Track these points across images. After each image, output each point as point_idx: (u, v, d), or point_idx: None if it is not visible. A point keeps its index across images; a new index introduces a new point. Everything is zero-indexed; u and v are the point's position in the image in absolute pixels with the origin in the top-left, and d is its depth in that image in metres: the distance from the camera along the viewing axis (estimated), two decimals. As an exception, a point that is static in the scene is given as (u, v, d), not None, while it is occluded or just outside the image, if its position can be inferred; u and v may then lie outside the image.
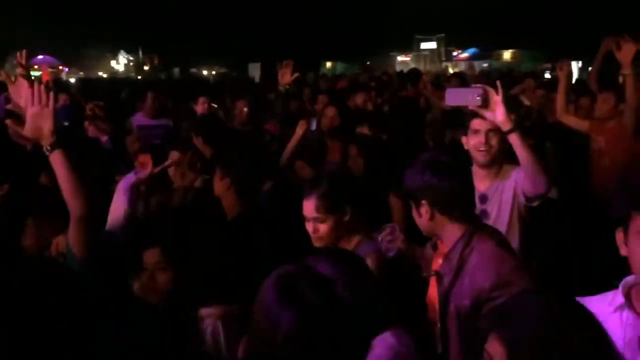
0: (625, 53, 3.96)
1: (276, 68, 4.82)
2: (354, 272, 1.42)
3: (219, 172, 3.00)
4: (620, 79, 4.24)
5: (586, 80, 6.57)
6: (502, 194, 2.81)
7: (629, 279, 1.59)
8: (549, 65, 13.99)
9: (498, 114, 2.50)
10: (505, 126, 2.52)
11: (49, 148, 2.14)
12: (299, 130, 4.03)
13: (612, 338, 1.50)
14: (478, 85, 2.66)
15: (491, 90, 2.50)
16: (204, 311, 2.13)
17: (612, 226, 1.69)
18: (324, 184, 2.53)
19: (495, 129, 2.76)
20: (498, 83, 2.60)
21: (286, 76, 4.56)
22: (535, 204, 2.75)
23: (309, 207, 2.50)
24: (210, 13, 25.40)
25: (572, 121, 4.60)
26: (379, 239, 2.43)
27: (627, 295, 1.57)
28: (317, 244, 2.52)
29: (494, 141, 2.80)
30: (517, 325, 1.25)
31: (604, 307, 1.58)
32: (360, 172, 3.64)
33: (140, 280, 2.23)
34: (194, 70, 34.32)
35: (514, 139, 2.53)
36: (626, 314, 1.55)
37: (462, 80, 7.51)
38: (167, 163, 2.93)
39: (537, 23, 16.66)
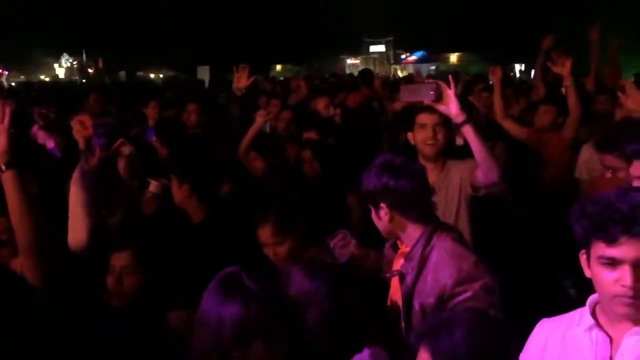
0: (561, 68, 4.19)
1: (225, 73, 4.81)
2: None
3: (176, 179, 2.96)
4: (563, 90, 4.41)
5: (531, 80, 6.79)
6: (449, 186, 2.95)
7: (593, 297, 1.62)
8: (494, 68, 14.36)
9: (452, 107, 2.59)
10: (459, 119, 2.60)
11: (2, 168, 2.06)
12: (259, 119, 4.04)
13: (584, 357, 1.55)
14: (431, 80, 2.75)
15: (444, 85, 2.59)
16: (173, 315, 2.11)
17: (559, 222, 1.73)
18: (276, 209, 2.61)
19: (441, 123, 2.93)
20: (450, 78, 2.69)
21: (242, 80, 4.56)
22: (480, 194, 2.89)
23: (266, 233, 2.57)
24: (157, 15, 24.93)
25: (511, 127, 4.68)
26: (331, 245, 2.45)
27: (593, 314, 1.61)
28: (279, 264, 2.56)
29: (440, 135, 2.95)
30: (444, 339, 1.32)
31: (574, 327, 1.62)
32: (316, 176, 3.65)
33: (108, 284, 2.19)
34: (140, 73, 33.60)
35: (467, 130, 2.62)
36: (596, 333, 1.57)
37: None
38: (115, 145, 2.79)
39: (483, 26, 17.11)
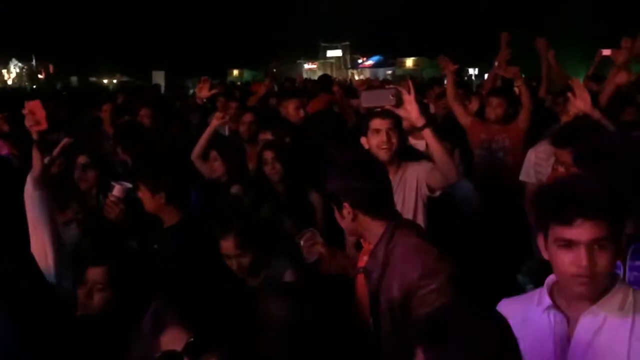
0: (512, 73, 4.66)
1: (181, 78, 4.80)
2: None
3: (148, 188, 2.90)
4: (516, 90, 4.71)
5: (487, 79, 6.97)
6: (405, 187, 3.03)
7: (551, 278, 1.68)
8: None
9: (412, 111, 2.65)
10: (419, 122, 2.68)
11: None
12: (214, 122, 4.03)
13: (542, 337, 1.60)
14: (391, 86, 2.80)
15: (404, 90, 2.64)
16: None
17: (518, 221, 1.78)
18: (238, 221, 2.63)
19: (394, 127, 3.01)
20: (410, 82, 2.77)
21: (204, 91, 4.57)
22: (436, 194, 3.00)
23: (229, 245, 2.59)
24: (110, 19, 24.42)
25: (458, 111, 4.90)
26: (300, 244, 2.45)
27: (551, 294, 1.67)
28: (241, 275, 2.56)
29: (394, 139, 3.03)
30: (442, 341, 1.27)
31: (533, 308, 1.68)
32: (278, 177, 3.65)
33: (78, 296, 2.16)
34: (93, 78, 32.83)
35: (427, 134, 2.71)
36: (554, 313, 1.64)
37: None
38: (58, 148, 2.60)
39: (437, 31, 17.44)
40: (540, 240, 1.63)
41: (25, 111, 2.55)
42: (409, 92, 2.67)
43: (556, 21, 13.89)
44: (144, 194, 2.93)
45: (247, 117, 4.68)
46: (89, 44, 26.24)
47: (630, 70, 4.10)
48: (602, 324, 1.57)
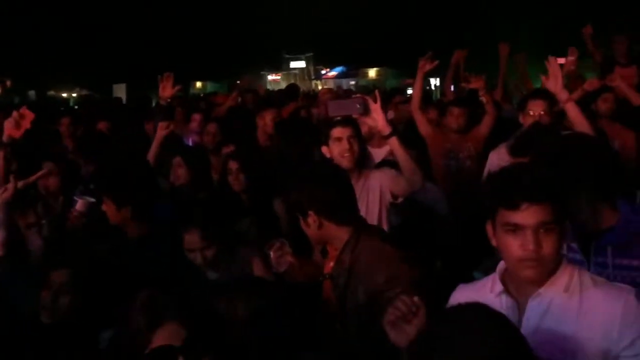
0: (476, 84, 4.69)
1: (143, 90, 4.74)
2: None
3: (114, 201, 2.88)
4: (483, 100, 4.75)
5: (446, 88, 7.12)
6: (369, 194, 3.06)
7: (502, 265, 1.72)
8: (411, 81, 14.90)
9: (378, 119, 2.70)
10: (386, 130, 2.72)
11: None
12: (159, 131, 3.99)
13: None
14: (358, 94, 2.85)
15: (370, 99, 2.68)
16: (104, 334, 2.09)
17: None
18: (202, 213, 2.65)
19: (355, 135, 3.04)
20: (376, 92, 2.84)
21: (167, 89, 4.42)
22: (399, 201, 3.06)
23: (194, 238, 2.58)
24: (68, 32, 23.98)
25: (421, 120, 4.88)
26: (269, 255, 2.45)
27: (503, 280, 1.71)
28: (204, 269, 2.55)
29: (355, 146, 3.04)
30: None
31: (487, 293, 1.73)
32: (241, 187, 3.65)
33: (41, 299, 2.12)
34: (52, 92, 32.11)
35: (393, 142, 2.79)
36: (505, 298, 1.69)
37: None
38: (41, 173, 2.73)
39: (400, 42, 17.69)
40: (488, 229, 1.68)
41: (16, 113, 2.54)
42: (374, 101, 2.72)
43: (514, 31, 14.27)
44: (109, 208, 2.91)
45: (212, 128, 4.66)
46: (48, 57, 25.70)
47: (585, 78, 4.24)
48: (548, 306, 1.62)
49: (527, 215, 1.56)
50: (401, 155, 2.80)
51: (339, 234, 2.17)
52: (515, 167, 1.67)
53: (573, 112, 3.09)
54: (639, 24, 8.34)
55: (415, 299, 1.55)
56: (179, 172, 3.82)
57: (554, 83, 3.10)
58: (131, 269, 2.59)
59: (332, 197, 2.16)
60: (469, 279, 1.99)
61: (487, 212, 1.67)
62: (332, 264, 2.21)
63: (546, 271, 1.61)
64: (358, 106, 2.71)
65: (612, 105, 4.72)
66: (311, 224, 2.16)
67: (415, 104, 4.92)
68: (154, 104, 9.49)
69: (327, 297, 2.23)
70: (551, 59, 3.15)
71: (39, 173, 2.74)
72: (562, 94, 3.10)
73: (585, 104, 4.70)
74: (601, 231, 2.07)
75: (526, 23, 14.69)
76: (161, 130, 3.99)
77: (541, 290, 1.63)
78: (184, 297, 1.48)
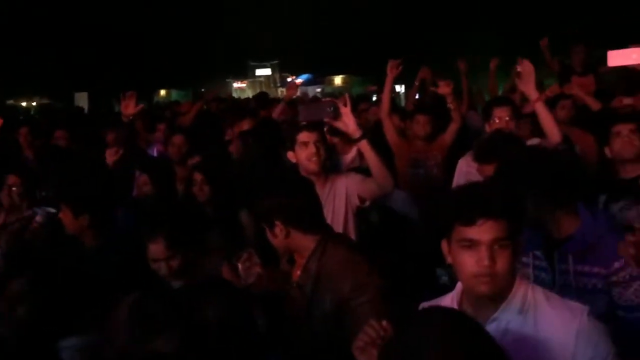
0: (444, 90, 4.66)
1: (105, 98, 4.67)
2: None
3: (71, 210, 2.81)
4: (451, 107, 4.79)
5: (406, 103, 7.24)
6: (335, 199, 3.07)
7: (458, 287, 1.74)
8: (375, 88, 15.04)
9: (349, 123, 2.72)
10: (356, 134, 2.74)
11: None
12: (108, 158, 3.94)
13: None
14: (328, 99, 2.87)
15: (340, 103, 2.71)
16: (64, 343, 2.03)
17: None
18: (168, 223, 2.61)
19: (321, 140, 3.07)
20: (346, 96, 2.89)
21: (130, 107, 4.35)
22: (366, 204, 3.09)
23: (159, 248, 2.54)
24: (27, 38, 23.42)
25: (389, 127, 4.87)
26: (238, 267, 2.42)
27: (460, 303, 1.73)
28: (169, 280, 2.49)
29: (321, 150, 3.06)
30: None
31: None
32: (206, 198, 3.62)
33: None
34: (10, 101, 31.33)
35: (364, 145, 2.81)
36: None
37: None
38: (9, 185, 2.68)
39: (364, 50, 17.83)
40: (444, 247, 1.69)
41: None
42: (345, 105, 2.76)
43: (476, 37, 14.54)
44: (66, 216, 2.88)
45: (177, 139, 4.58)
46: (6, 66, 25.05)
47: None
48: (505, 329, 1.62)
49: (482, 231, 1.58)
50: (372, 158, 2.82)
51: (306, 243, 2.17)
52: (472, 185, 1.70)
53: (542, 112, 3.20)
54: (595, 34, 8.59)
55: (384, 323, 1.53)
56: (145, 190, 3.80)
57: (526, 83, 3.21)
58: (89, 279, 2.53)
59: (299, 205, 2.16)
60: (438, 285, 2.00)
61: (443, 230, 1.68)
62: (299, 272, 2.21)
63: (500, 287, 1.62)
64: (329, 110, 2.75)
65: (570, 112, 4.84)
66: (278, 234, 2.16)
67: (385, 110, 4.90)
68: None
69: (294, 306, 2.22)
70: (524, 61, 3.26)
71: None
72: (533, 94, 3.20)
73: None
74: (563, 239, 2.10)
75: (488, 31, 14.98)
76: (109, 157, 3.93)
77: (497, 314, 1.64)
78: (174, 304, 1.45)
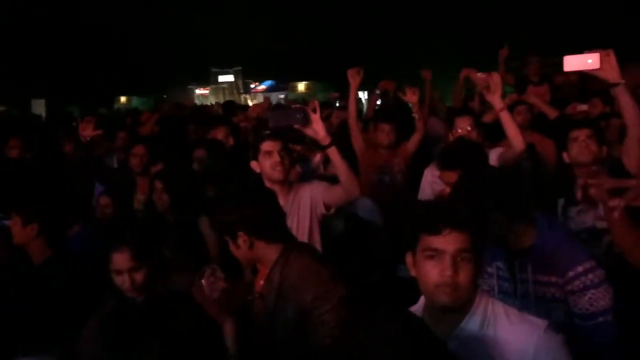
0: (410, 98, 4.75)
1: (64, 105, 4.58)
2: None
3: (21, 218, 2.70)
4: (416, 116, 4.87)
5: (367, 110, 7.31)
6: (300, 207, 3.07)
7: (421, 301, 1.77)
8: (337, 95, 15.13)
9: (319, 130, 2.72)
10: (325, 141, 2.76)
11: None
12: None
13: None
14: (298, 105, 2.88)
15: (310, 110, 2.71)
16: None
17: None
18: (134, 233, 2.56)
19: (284, 149, 3.07)
20: (316, 103, 2.91)
21: (88, 130, 4.30)
22: (331, 212, 3.11)
23: (123, 258, 2.46)
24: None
25: (357, 133, 4.87)
26: (201, 284, 2.38)
27: (423, 318, 1.71)
28: (131, 294, 2.42)
29: (286, 159, 3.07)
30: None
31: None
32: (165, 207, 3.56)
33: None
34: (-36, 109, 30.35)
35: (333, 152, 2.84)
36: None
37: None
38: None
39: (327, 56, 17.90)
40: (408, 259, 1.72)
41: None
42: (314, 112, 2.76)
43: (437, 44, 14.77)
44: (14, 224, 2.79)
45: (138, 150, 4.48)
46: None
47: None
48: (466, 345, 1.64)
49: (447, 241, 1.62)
50: (340, 165, 2.85)
51: (270, 253, 2.16)
52: (438, 197, 1.78)
53: (507, 121, 3.31)
54: (549, 44, 8.82)
55: None
56: (107, 212, 3.74)
57: (494, 94, 3.33)
58: (35, 293, 2.45)
59: (262, 215, 2.15)
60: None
61: (409, 242, 1.71)
62: (262, 282, 2.20)
63: (461, 299, 1.64)
64: (299, 117, 2.75)
65: (525, 117, 4.94)
66: (241, 245, 2.14)
67: (352, 117, 4.90)
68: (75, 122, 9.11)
69: (257, 315, 2.21)
70: (493, 74, 3.40)
71: None
72: (498, 104, 3.33)
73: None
74: (523, 250, 2.15)
75: (447, 38, 15.23)
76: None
77: (457, 331, 1.66)
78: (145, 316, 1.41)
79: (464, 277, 1.61)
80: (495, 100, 3.33)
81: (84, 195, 4.35)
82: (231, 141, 4.80)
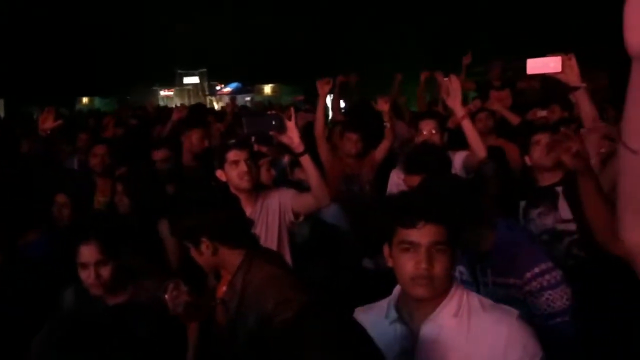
0: (382, 107, 4.75)
1: (23, 105, 4.44)
2: None
3: None
4: (388, 125, 4.84)
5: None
6: (268, 215, 3.06)
7: (397, 290, 1.74)
8: (302, 98, 15.14)
9: (294, 137, 2.71)
10: (299, 148, 2.74)
11: None
12: None
13: (388, 350, 1.63)
14: (273, 112, 2.88)
15: (285, 117, 2.71)
16: None
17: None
18: (101, 226, 2.50)
19: (250, 157, 3.07)
20: (291, 110, 2.91)
21: (48, 122, 4.15)
22: (300, 219, 3.10)
23: (90, 250, 2.38)
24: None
25: (323, 146, 4.84)
26: (164, 298, 2.32)
27: (397, 307, 1.73)
28: (96, 291, 2.35)
29: (252, 168, 3.06)
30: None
31: (381, 320, 1.75)
32: (125, 210, 3.50)
33: None
34: None
35: (306, 160, 2.84)
36: (399, 326, 1.71)
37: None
38: None
39: (294, 59, 17.88)
40: (385, 250, 1.74)
41: None
42: (289, 119, 2.75)
43: (401, 48, 14.90)
44: None
45: (99, 150, 4.37)
46: None
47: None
48: (439, 331, 1.66)
49: (422, 234, 1.63)
50: (312, 172, 2.85)
51: (232, 259, 2.13)
52: (412, 190, 1.79)
53: (468, 129, 3.34)
54: (513, 48, 8.97)
55: None
56: (64, 213, 3.63)
57: (454, 100, 3.32)
58: None
59: (226, 220, 2.11)
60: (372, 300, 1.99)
61: (384, 234, 1.72)
62: (224, 288, 2.16)
63: (437, 291, 1.66)
64: (274, 123, 2.74)
65: (486, 123, 5.02)
66: (204, 251, 2.09)
67: (319, 130, 4.86)
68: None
69: (219, 322, 2.17)
70: (452, 77, 3.38)
71: None
72: (459, 111, 3.34)
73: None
74: (484, 254, 2.19)
75: (412, 42, 15.38)
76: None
77: (432, 316, 1.68)
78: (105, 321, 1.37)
79: (439, 268, 1.63)
80: (456, 107, 3.35)
81: (43, 198, 4.22)
82: (206, 144, 4.76)
